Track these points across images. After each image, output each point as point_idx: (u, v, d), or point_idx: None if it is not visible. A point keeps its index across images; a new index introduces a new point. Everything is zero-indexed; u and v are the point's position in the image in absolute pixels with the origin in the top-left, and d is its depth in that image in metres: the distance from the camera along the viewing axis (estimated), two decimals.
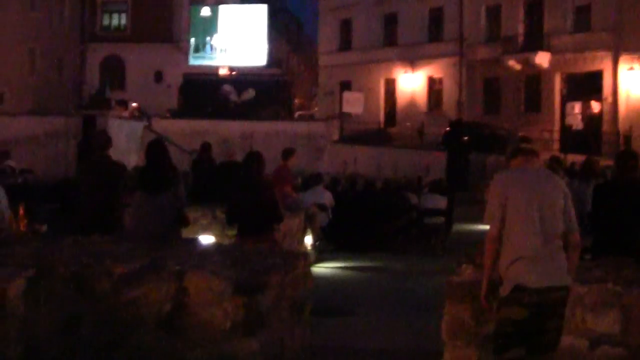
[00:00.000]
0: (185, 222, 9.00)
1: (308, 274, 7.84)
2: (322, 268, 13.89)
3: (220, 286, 6.33)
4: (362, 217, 16.86)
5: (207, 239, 12.68)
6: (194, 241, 8.55)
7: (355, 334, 9.38)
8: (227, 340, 6.29)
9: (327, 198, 16.47)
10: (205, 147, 15.79)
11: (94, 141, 9.62)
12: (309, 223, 14.07)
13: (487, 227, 18.07)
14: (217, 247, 8.05)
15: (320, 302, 8.69)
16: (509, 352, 5.57)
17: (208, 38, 52.35)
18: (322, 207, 15.96)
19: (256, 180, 9.11)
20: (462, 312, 6.33)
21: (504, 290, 5.64)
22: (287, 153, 14.46)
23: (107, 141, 9.62)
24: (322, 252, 14.96)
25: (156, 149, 8.95)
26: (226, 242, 11.37)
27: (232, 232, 9.86)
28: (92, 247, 7.17)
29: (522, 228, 5.60)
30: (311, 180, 17.24)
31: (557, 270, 5.55)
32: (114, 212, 8.90)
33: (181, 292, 6.28)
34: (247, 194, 8.97)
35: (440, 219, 17.14)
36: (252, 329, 6.32)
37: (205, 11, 52.99)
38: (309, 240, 14.06)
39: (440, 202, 17.15)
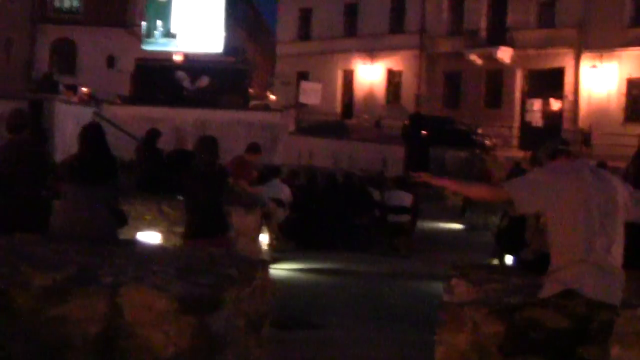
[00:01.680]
0: (122, 220, 7.76)
1: (268, 284, 6.74)
2: (280, 270, 12.74)
3: (162, 304, 5.23)
4: (322, 213, 15.74)
5: (151, 237, 11.54)
6: (133, 244, 7.33)
7: (324, 351, 8.17)
8: None
9: (284, 193, 15.31)
10: (152, 134, 14.52)
11: (6, 122, 7.75)
12: (265, 220, 12.89)
13: (451, 225, 16.69)
14: (160, 251, 6.84)
15: (279, 311, 7.58)
16: (521, 357, 4.67)
17: (161, 23, 50.85)
18: (279, 203, 14.83)
19: (210, 170, 7.92)
20: (460, 342, 5.19)
21: (547, 292, 4.66)
22: (254, 149, 13.32)
23: (21, 121, 7.99)
24: (279, 252, 13.80)
25: (92, 133, 7.59)
26: (173, 241, 10.21)
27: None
28: (8, 250, 5.96)
29: (582, 228, 4.64)
30: (268, 173, 16.03)
31: (614, 283, 4.64)
32: (36, 207, 7.48)
33: (114, 311, 5.14)
34: (198, 187, 7.76)
35: (405, 217, 16.06)
36: (200, 356, 5.22)
37: None
38: (265, 239, 12.89)
39: (405, 198, 16.08)
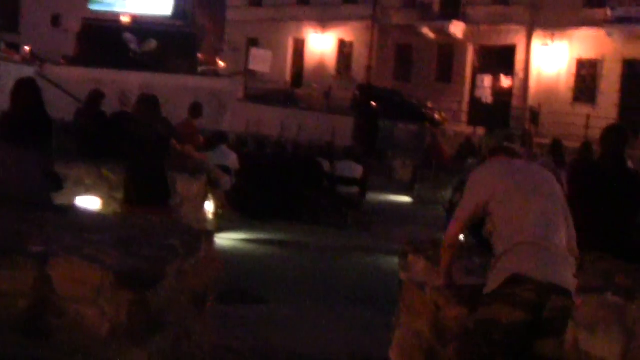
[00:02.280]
0: (56, 184, 7.21)
1: (213, 256, 6.34)
2: (225, 240, 12.29)
3: (96, 277, 4.79)
4: (269, 183, 15.29)
5: (90, 202, 11.01)
6: (68, 211, 6.78)
7: (270, 328, 7.74)
8: (105, 350, 4.75)
9: (231, 160, 14.80)
10: (94, 96, 13.89)
11: None
12: (211, 188, 12.40)
13: (400, 198, 16.27)
14: (97, 219, 6.35)
15: (223, 284, 7.15)
16: None
17: None
18: (226, 170, 14.33)
19: (151, 132, 7.34)
20: (421, 326, 4.79)
21: (493, 284, 4.31)
22: (196, 109, 12.79)
23: None
24: (225, 221, 13.32)
25: (25, 90, 7.01)
26: (114, 207, 9.69)
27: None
28: None
29: (521, 216, 4.37)
30: (215, 139, 15.50)
31: (563, 266, 4.30)
32: None
33: (43, 284, 4.70)
34: (138, 150, 7.21)
35: (354, 189, 15.66)
36: (139, 334, 4.79)
37: None
38: (210, 207, 12.40)
39: (355, 170, 15.67)
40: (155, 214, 6.54)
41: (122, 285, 4.75)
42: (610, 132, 6.52)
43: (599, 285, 4.84)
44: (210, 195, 12.38)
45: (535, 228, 4.30)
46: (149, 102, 7.27)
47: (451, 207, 12.72)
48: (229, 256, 10.78)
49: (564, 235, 4.39)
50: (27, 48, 50.15)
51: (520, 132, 15.49)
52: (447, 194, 19.56)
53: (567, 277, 4.26)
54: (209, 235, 6.40)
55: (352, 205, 15.53)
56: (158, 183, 7.08)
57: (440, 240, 4.97)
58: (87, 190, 11.40)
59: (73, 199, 11.53)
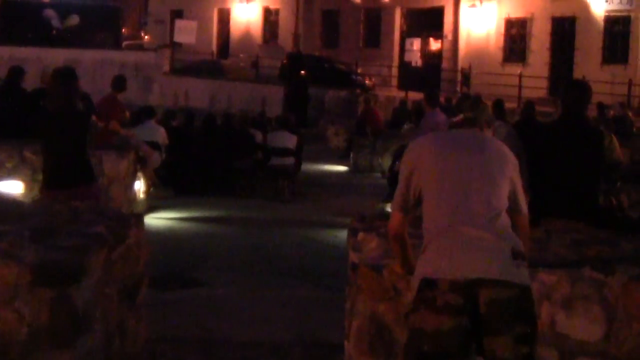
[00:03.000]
0: None
1: (143, 242, 5.81)
2: (156, 219, 11.73)
3: (11, 275, 4.27)
4: (201, 157, 14.72)
5: (11, 187, 10.39)
6: None
7: (210, 314, 7.22)
8: (25, 355, 4.23)
9: (160, 135, 14.20)
10: (13, 72, 13.16)
11: None
12: (140, 165, 11.81)
13: (335, 167, 15.67)
14: (12, 208, 5.75)
15: (156, 268, 6.65)
16: None
17: None
18: (154, 146, 13.73)
19: (68, 108, 6.61)
20: (382, 313, 4.29)
21: (413, 290, 3.78)
22: (119, 82, 12.12)
23: None
24: (156, 199, 12.74)
25: None
26: (37, 191, 9.06)
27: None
28: None
29: (433, 205, 3.85)
30: (142, 114, 14.87)
31: (491, 253, 3.65)
32: None
33: None
34: (54, 129, 6.59)
35: (289, 160, 15.14)
36: (63, 335, 4.28)
37: None
38: (139, 186, 11.81)
39: (289, 140, 15.13)
40: (78, 198, 5.95)
41: (41, 283, 4.25)
42: (571, 89, 6.09)
43: (573, 259, 4.40)
44: (139, 174, 11.80)
45: (456, 214, 3.73)
46: (64, 76, 6.57)
47: (392, 176, 12.38)
48: (162, 237, 10.28)
49: (501, 212, 3.80)
50: None
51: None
52: (385, 161, 19.24)
53: (499, 266, 3.62)
54: (139, 219, 5.87)
55: (287, 176, 15.02)
56: (79, 164, 6.44)
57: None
58: (9, 173, 10.77)
59: None
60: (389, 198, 12.16)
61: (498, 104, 11.69)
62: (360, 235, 5.28)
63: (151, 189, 12.40)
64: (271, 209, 13.34)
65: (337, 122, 27.65)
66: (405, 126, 19.43)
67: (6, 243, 4.55)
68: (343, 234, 11.06)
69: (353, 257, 4.89)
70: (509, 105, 20.19)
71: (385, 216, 6.20)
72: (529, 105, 12.84)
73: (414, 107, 20.65)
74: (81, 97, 6.77)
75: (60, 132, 6.36)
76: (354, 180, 17.92)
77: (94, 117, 6.83)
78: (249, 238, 10.75)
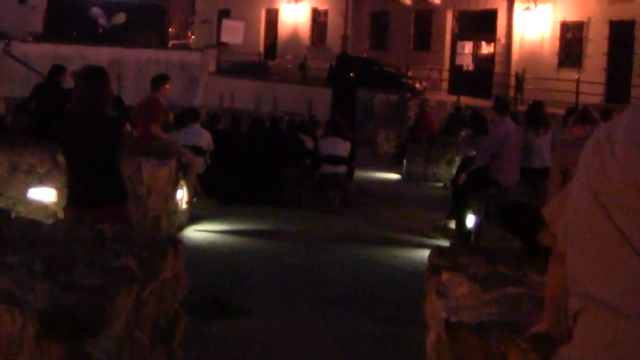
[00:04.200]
0: None
1: (181, 275, 4.91)
2: (198, 232, 10.85)
3: (14, 324, 3.36)
4: (247, 163, 13.81)
5: (44, 194, 9.59)
6: None
7: (255, 348, 6.30)
8: None
9: (204, 139, 13.33)
10: (54, 71, 12.44)
11: None
12: (182, 173, 10.91)
13: (386, 174, 14.26)
14: (28, 230, 4.84)
15: (196, 290, 5.75)
16: None
17: None
18: (198, 151, 12.86)
19: (94, 113, 5.56)
20: None
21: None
22: (159, 80, 11.22)
23: None
24: (199, 209, 11.82)
25: None
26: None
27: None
28: None
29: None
30: (185, 117, 13.99)
31: None
32: None
33: None
34: (76, 137, 5.60)
35: (341, 167, 14.14)
36: None
37: None
38: (181, 195, 10.92)
39: (342, 147, 14.13)
40: (105, 220, 5.02)
41: (51, 335, 3.35)
42: None
43: None
44: (181, 182, 10.91)
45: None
46: (92, 74, 5.57)
47: (457, 191, 11.39)
48: (203, 253, 9.43)
49: None
50: None
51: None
52: (441, 170, 18.26)
53: None
54: (177, 245, 4.96)
55: (338, 186, 14.03)
56: (107, 178, 5.42)
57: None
58: (41, 180, 9.98)
59: (25, 191, 10.12)
60: (453, 214, 11.19)
61: (536, 105, 10.77)
62: (445, 275, 4.32)
63: (194, 199, 11.49)
64: (321, 221, 12.36)
65: (387, 126, 26.68)
66: (463, 134, 18.39)
67: (12, 281, 3.67)
68: (403, 254, 10.19)
69: (438, 306, 3.94)
70: (563, 111, 19.13)
71: (468, 251, 5.25)
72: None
73: (471, 113, 19.68)
74: (112, 101, 5.79)
75: (83, 139, 5.37)
76: (408, 190, 16.86)
77: (127, 125, 5.89)
78: (298, 256, 9.78)
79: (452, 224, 11.24)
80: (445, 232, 11.24)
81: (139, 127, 10.78)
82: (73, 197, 5.54)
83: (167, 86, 11.14)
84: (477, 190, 9.73)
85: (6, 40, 41.23)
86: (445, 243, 10.59)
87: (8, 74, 37.02)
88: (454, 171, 17.77)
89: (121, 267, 4.17)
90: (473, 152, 12.03)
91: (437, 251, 4.90)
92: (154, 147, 10.64)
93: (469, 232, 10.00)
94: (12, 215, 5.52)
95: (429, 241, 10.87)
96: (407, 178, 18.62)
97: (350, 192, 14.63)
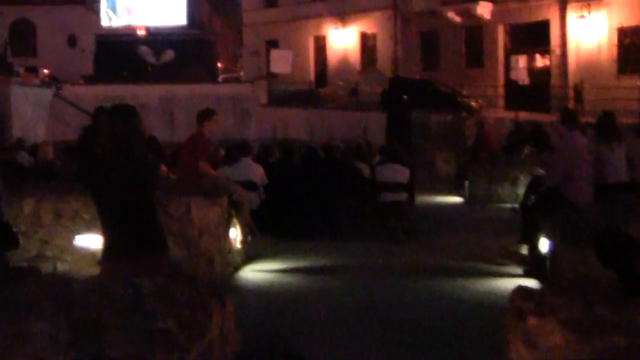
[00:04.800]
0: (7, 239, 5.20)
1: (230, 333, 4.34)
2: (255, 272, 10.29)
3: None
4: (303, 195, 13.25)
5: (90, 241, 9.13)
6: (16, 277, 4.67)
7: None
8: None
9: (257, 173, 12.81)
10: (97, 112, 12.01)
11: None
12: (235, 210, 10.39)
13: (448, 198, 13.36)
14: (59, 288, 4.32)
15: (255, 336, 5.16)
16: None
17: None
18: (251, 186, 12.35)
19: (122, 156, 5.02)
20: None
21: None
22: (202, 115, 10.72)
23: None
24: (253, 247, 11.26)
25: None
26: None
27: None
28: None
29: None
30: (236, 151, 13.48)
31: None
32: None
33: None
34: (104, 182, 5.08)
35: (401, 195, 13.50)
36: None
37: None
38: (235, 235, 10.38)
39: (401, 173, 13.50)
40: (141, 273, 4.47)
41: None
42: None
43: None
44: (234, 220, 10.37)
45: None
46: (120, 113, 5.05)
47: (526, 213, 10.67)
48: (260, 295, 8.87)
49: None
50: (45, 71, 49.25)
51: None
52: (504, 190, 17.47)
53: None
54: (225, 299, 4.40)
55: (399, 214, 13.39)
56: (141, 227, 4.84)
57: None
58: (87, 226, 9.53)
59: (71, 238, 9.69)
60: (524, 239, 10.48)
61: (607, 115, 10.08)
62: (533, 321, 3.68)
63: (248, 237, 10.94)
64: (383, 253, 11.69)
65: (445, 148, 25.96)
66: (526, 151, 17.63)
67: (34, 353, 3.15)
68: (475, 285, 9.49)
69: (520, 348, 3.31)
70: (626, 120, 18.31)
71: (556, 288, 4.61)
72: None
73: (532, 129, 18.92)
74: (147, 141, 5.22)
75: (112, 184, 4.78)
76: (472, 213, 16.08)
77: (162, 167, 5.33)
78: (359, 294, 9.11)
79: (524, 250, 10.52)
80: (516, 259, 10.51)
81: (186, 164, 10.32)
82: (106, 248, 5.00)
83: (213, 120, 10.62)
84: (549, 212, 9.01)
85: (58, 84, 41.57)
86: (517, 270, 9.91)
87: (60, 117, 37.23)
88: (518, 191, 17.04)
89: (159, 331, 3.64)
90: (540, 171, 11.32)
91: (520, 291, 4.26)
92: (204, 185, 10.15)
93: (543, 257, 9.28)
94: (44, 272, 5.03)
95: (500, 269, 10.18)
96: (470, 201, 17.85)
97: (412, 220, 13.95)
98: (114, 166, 4.86)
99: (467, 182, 18.31)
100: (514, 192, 17.17)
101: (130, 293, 4.29)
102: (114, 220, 4.94)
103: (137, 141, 4.89)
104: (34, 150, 14.56)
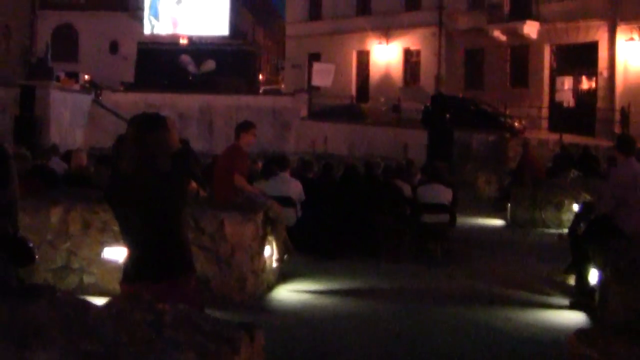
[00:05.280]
0: (22, 255, 4.83)
1: None
2: (289, 292, 9.88)
3: None
4: (341, 214, 12.84)
5: (116, 254, 8.82)
6: (32, 296, 4.27)
7: None
8: None
9: (295, 189, 12.44)
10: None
11: None
12: (270, 227, 10.00)
13: (489, 220, 12.86)
14: (75, 313, 3.95)
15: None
16: None
17: (164, 5, 48.34)
18: (288, 202, 11.97)
19: (149, 169, 4.55)
20: None
21: None
22: (240, 128, 10.34)
23: None
24: (288, 266, 10.85)
25: None
26: None
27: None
28: None
29: None
30: (274, 165, 13.10)
31: None
32: None
33: None
34: (127, 199, 4.60)
35: (443, 216, 13.02)
36: None
37: None
38: (270, 252, 9.99)
39: (444, 194, 13.02)
40: (164, 297, 4.06)
41: None
42: None
43: None
44: (269, 238, 9.98)
45: None
46: (146, 125, 4.67)
47: (575, 241, 10.17)
48: (294, 317, 8.48)
49: None
50: (86, 76, 49.48)
51: None
52: (548, 215, 16.92)
53: None
54: (254, 331, 3.99)
55: (440, 236, 12.93)
56: (166, 247, 4.39)
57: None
58: (116, 238, 9.19)
59: (100, 250, 9.38)
60: (572, 268, 9.98)
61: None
62: None
63: (284, 256, 10.52)
64: (422, 276, 11.23)
65: (486, 168, 25.39)
66: (572, 175, 17.09)
67: None
68: (517, 316, 9.01)
69: None
70: None
71: (621, 338, 4.14)
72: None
73: (581, 152, 18.39)
74: (177, 154, 4.75)
75: (135, 201, 4.36)
76: (515, 237, 15.51)
77: (192, 184, 4.87)
78: (397, 320, 8.65)
79: (571, 280, 10.02)
80: (562, 289, 10.01)
81: (221, 178, 9.97)
82: (128, 269, 4.59)
83: (250, 133, 10.22)
84: (599, 241, 8.51)
85: (97, 91, 41.63)
86: (563, 302, 9.41)
87: (98, 123, 37.20)
88: (563, 216, 16.50)
89: None
90: (590, 197, 10.83)
91: (581, 336, 3.82)
92: (238, 200, 9.78)
93: (591, 289, 8.79)
94: (62, 291, 4.66)
95: (545, 299, 9.68)
96: (512, 224, 17.29)
97: (452, 242, 13.49)
98: (137, 181, 4.45)
99: (509, 205, 17.75)
100: (558, 217, 16.62)
101: (150, 320, 3.90)
102: (136, 239, 4.54)
103: (162, 155, 4.48)
104: (67, 156, 14.27)
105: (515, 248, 14.05)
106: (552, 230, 16.00)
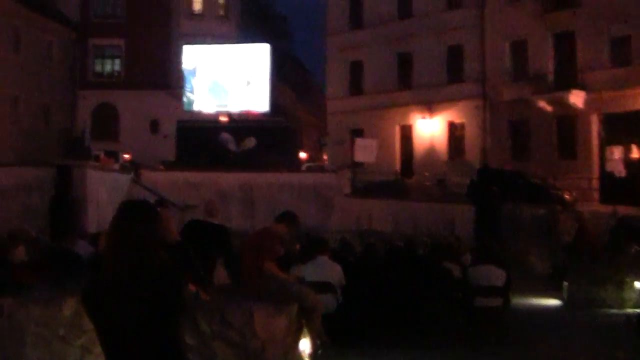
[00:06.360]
0: None
1: None
2: None
3: None
4: (384, 298, 11.87)
5: None
6: None
7: None
8: None
9: (334, 274, 11.46)
10: (160, 203, 11.15)
11: None
12: (305, 319, 9.05)
13: (544, 300, 11.34)
14: None
15: None
16: None
17: (204, 83, 48.30)
18: (327, 288, 11.03)
19: (138, 271, 3.71)
20: None
21: None
22: (284, 218, 9.55)
23: None
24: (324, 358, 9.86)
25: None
26: None
27: None
28: None
29: None
30: (311, 248, 12.18)
31: None
32: None
33: None
34: (117, 308, 3.70)
35: (496, 300, 11.98)
36: None
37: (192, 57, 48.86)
38: (304, 346, 9.02)
39: (497, 276, 11.99)
40: None
41: None
42: None
43: None
44: (305, 330, 9.03)
45: None
46: (133, 215, 3.76)
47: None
48: None
49: None
50: (126, 156, 49.38)
51: None
52: (609, 294, 15.79)
53: None
54: None
55: (494, 321, 11.88)
56: (162, 346, 3.49)
57: None
58: None
59: None
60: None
61: None
62: None
63: (319, 351, 9.53)
64: None
65: (537, 243, 24.28)
66: (633, 250, 15.99)
67: None
68: None
69: None
70: None
71: None
72: None
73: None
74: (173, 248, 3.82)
75: (120, 311, 3.45)
76: (573, 319, 14.38)
77: (190, 285, 3.93)
78: None
79: None
80: None
81: (250, 265, 9.12)
82: None
83: (291, 227, 9.39)
84: None
85: (137, 170, 41.34)
86: None
87: None
88: (624, 295, 15.39)
89: None
90: None
91: None
92: (270, 288, 8.89)
93: None
94: None
95: None
96: (569, 304, 16.10)
97: (507, 327, 12.42)
98: (124, 288, 3.56)
99: (565, 283, 16.56)
100: (620, 296, 15.46)
101: None
102: (121, 355, 3.63)
103: (154, 252, 3.60)
104: (95, 238, 13.49)
105: (574, 331, 12.98)
106: (614, 311, 14.86)
